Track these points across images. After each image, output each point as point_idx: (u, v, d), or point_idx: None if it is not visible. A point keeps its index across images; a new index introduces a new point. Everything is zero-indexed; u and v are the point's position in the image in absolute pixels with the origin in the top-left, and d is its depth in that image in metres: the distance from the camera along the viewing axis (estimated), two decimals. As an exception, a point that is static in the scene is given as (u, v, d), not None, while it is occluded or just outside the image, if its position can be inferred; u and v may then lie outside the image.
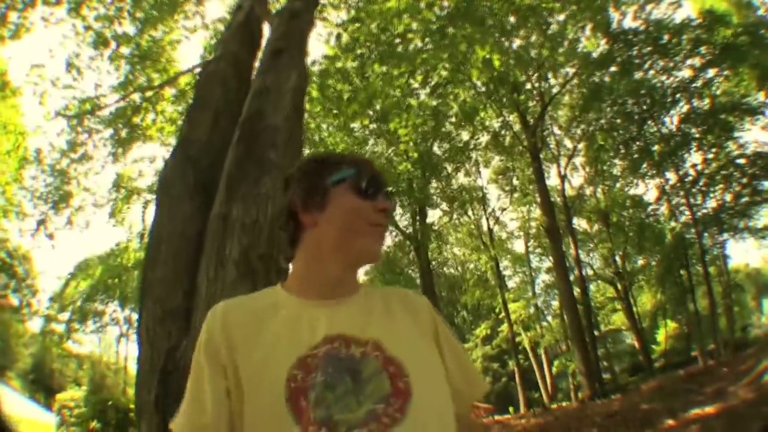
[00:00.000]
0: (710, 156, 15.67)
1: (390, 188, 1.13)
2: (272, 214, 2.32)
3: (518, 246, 26.74)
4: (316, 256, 1.04)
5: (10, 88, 12.96)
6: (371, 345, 0.94)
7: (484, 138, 17.28)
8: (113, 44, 8.98)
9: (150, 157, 11.80)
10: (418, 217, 17.28)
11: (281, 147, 2.62)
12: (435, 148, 15.87)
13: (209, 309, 2.12)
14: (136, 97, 9.13)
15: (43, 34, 9.89)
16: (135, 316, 25.33)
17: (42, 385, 28.06)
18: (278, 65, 3.10)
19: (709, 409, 9.26)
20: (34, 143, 11.81)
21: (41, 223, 10.49)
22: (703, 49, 14.76)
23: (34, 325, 26.37)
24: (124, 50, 9.17)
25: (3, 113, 12.85)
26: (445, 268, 28.85)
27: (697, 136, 15.49)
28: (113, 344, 31.49)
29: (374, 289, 1.12)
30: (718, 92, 15.91)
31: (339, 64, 7.62)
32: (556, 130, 19.47)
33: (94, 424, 20.17)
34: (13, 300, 24.63)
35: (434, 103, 10.72)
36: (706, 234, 15.79)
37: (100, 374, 30.08)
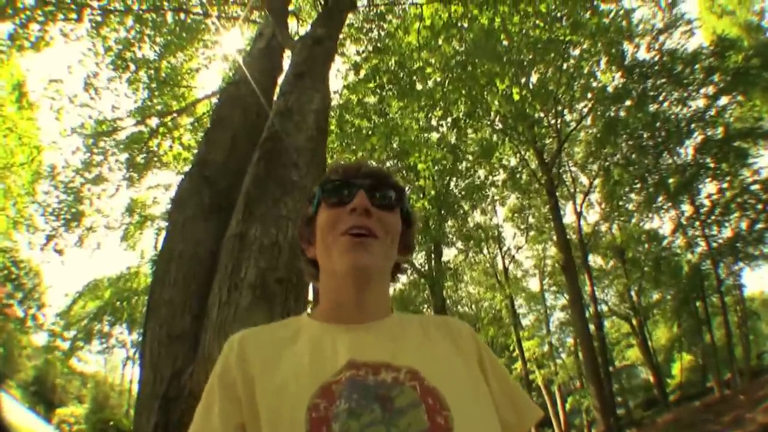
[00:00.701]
0: (725, 185, 15.60)
1: (382, 177, 1.01)
2: (293, 236, 2.21)
3: (533, 284, 26.69)
4: (324, 283, 0.99)
5: (27, 100, 13.18)
6: (406, 372, 0.84)
7: (500, 176, 17.26)
8: (132, 67, 9.06)
9: (165, 185, 11.76)
10: (433, 255, 17.18)
11: (303, 167, 2.53)
12: (452, 186, 15.88)
13: (220, 334, 2.04)
14: (152, 122, 9.17)
15: (63, 49, 10.02)
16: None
17: (43, 398, 27.83)
18: (301, 87, 3.06)
19: None
20: (49, 158, 11.89)
21: (51, 237, 10.48)
22: (716, 77, 14.81)
23: (39, 339, 26.34)
24: (143, 75, 9.24)
25: (19, 125, 12.99)
26: (459, 307, 28.52)
27: (712, 165, 15.43)
28: (119, 366, 31.38)
29: (410, 315, 1.02)
30: (731, 119, 15.94)
31: (358, 96, 7.62)
32: (572, 167, 19.46)
33: (93, 442, 19.96)
34: (18, 311, 24.60)
35: (453, 138, 10.68)
36: (721, 264, 15.60)
37: (104, 394, 29.93)
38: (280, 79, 4.83)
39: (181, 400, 1.97)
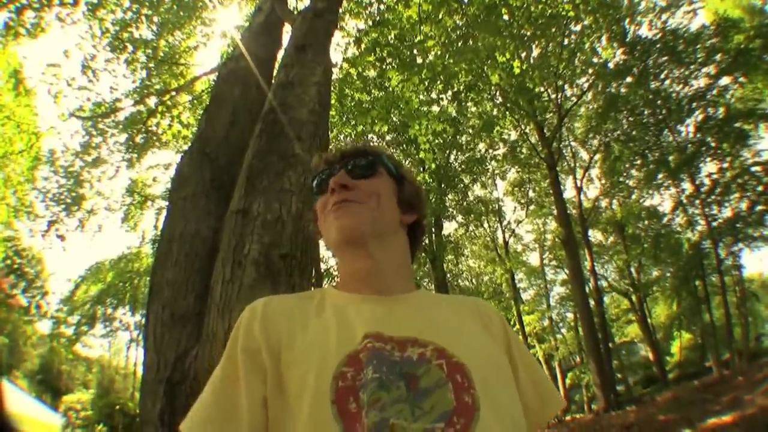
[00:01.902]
0: (725, 165, 15.60)
1: (360, 150, 1.05)
2: (297, 210, 2.17)
3: (533, 258, 26.81)
4: (338, 261, 1.03)
5: (24, 87, 13.06)
6: (433, 350, 0.82)
7: (501, 150, 17.20)
8: (130, 48, 8.94)
9: (165, 164, 11.71)
10: (434, 229, 17.18)
11: (307, 140, 2.47)
12: (452, 159, 15.78)
13: (224, 313, 2.00)
14: (151, 101, 9.09)
15: (59, 34, 9.92)
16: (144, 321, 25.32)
17: (49, 386, 28.12)
18: (302, 60, 2.99)
19: (727, 418, 9.24)
20: (48, 144, 11.83)
21: (53, 223, 10.46)
22: (717, 57, 14.77)
23: (44, 327, 26.47)
24: (141, 55, 9.13)
25: (17, 112, 12.90)
26: (460, 281, 28.62)
27: (713, 145, 15.42)
28: (123, 349, 31.61)
29: (438, 294, 1.03)
30: (732, 100, 15.92)
31: (358, 69, 7.53)
32: (572, 142, 19.38)
33: (100, 428, 20.15)
34: (23, 300, 24.70)
35: (453, 111, 10.60)
36: (721, 244, 15.64)
37: (109, 378, 30.21)
38: (280, 54, 4.77)
39: (186, 383, 1.93)
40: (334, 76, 8.25)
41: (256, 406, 0.79)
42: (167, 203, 2.93)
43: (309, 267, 2.22)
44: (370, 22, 7.89)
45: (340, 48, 8.50)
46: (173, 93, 8.69)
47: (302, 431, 0.74)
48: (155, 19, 8.85)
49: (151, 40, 9.04)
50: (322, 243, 1.09)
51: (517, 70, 8.13)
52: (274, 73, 4.05)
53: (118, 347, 32.40)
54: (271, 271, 2.04)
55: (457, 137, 12.91)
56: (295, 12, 7.13)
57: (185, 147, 9.70)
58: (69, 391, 28.47)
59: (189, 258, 2.48)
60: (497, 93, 12.08)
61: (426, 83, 7.63)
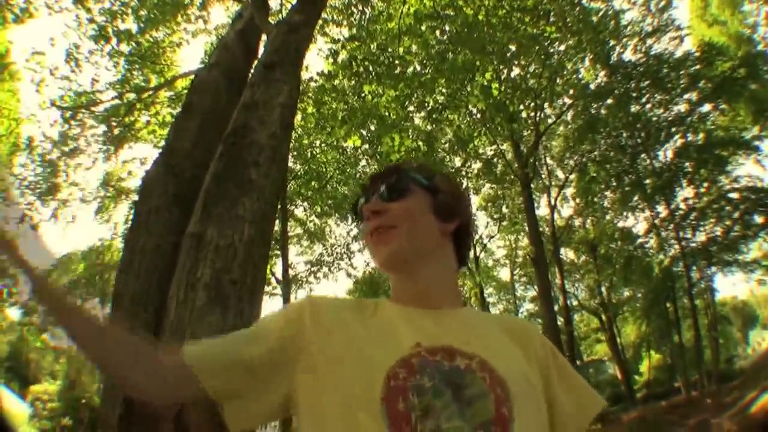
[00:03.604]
0: (702, 190, 15.74)
1: (390, 174, 1.07)
2: (249, 237, 2.22)
3: (504, 274, 26.88)
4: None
5: (9, 72, 12.84)
6: (477, 362, 0.85)
7: (475, 165, 17.26)
8: (114, 40, 8.88)
9: (141, 158, 11.64)
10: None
11: (264, 166, 2.51)
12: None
13: (177, 333, 2.04)
14: (131, 96, 9.03)
15: (47, 21, 9.84)
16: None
17: (18, 374, 27.39)
18: (269, 79, 3.01)
19: None
20: (27, 131, 11.67)
21: (26, 212, 10.31)
22: (701, 84, 14.92)
23: (14, 314, 25.86)
24: (124, 48, 9.07)
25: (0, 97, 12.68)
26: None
27: (690, 170, 15.57)
28: (92, 341, 30.99)
29: (484, 312, 1.07)
30: (713, 126, 16.07)
31: (335, 82, 7.55)
32: (548, 160, 19.53)
33: (66, 420, 19.76)
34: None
35: (429, 127, 10.66)
36: (694, 267, 15.83)
37: (76, 370, 29.55)
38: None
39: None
40: (312, 84, 8.28)
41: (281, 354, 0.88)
42: (133, 213, 2.94)
43: (258, 293, 2.26)
44: (349, 34, 7.91)
45: (322, 53, 8.53)
46: (152, 91, 8.63)
47: (342, 422, 0.78)
48: (141, 12, 8.80)
49: (135, 33, 8.98)
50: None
51: (495, 92, 8.21)
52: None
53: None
54: (221, 296, 2.09)
55: (431, 153, 12.99)
56: (279, 15, 7.16)
57: (162, 143, 9.70)
58: (37, 380, 27.80)
59: (149, 272, 2.54)
60: (475, 110, 12.13)
61: (402, 99, 7.67)
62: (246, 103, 2.87)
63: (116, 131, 9.48)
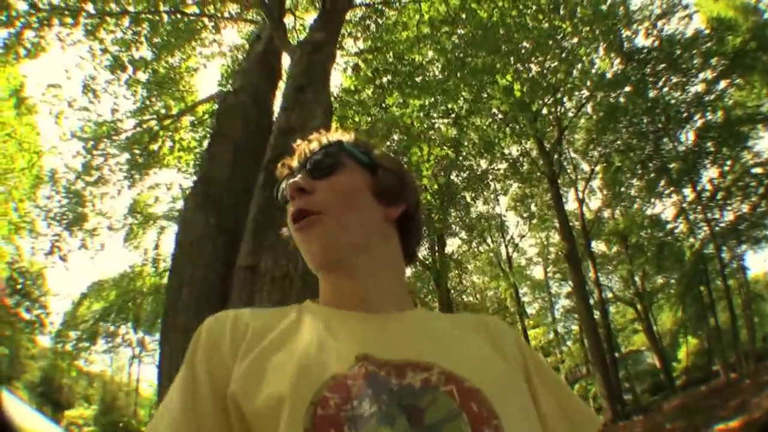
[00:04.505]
0: (726, 168, 15.63)
1: (319, 148, 0.87)
2: (304, 266, 2.18)
3: (537, 272, 26.71)
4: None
5: (26, 106, 13.13)
6: (438, 373, 0.66)
7: (502, 165, 17.21)
8: (130, 69, 8.98)
9: (167, 184, 11.75)
10: (436, 247, 17.18)
11: (311, 191, 2.49)
12: (453, 177, 15.80)
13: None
14: (153, 124, 9.13)
15: (60, 54, 10.02)
16: (148, 338, 25.48)
17: (50, 399, 27.93)
18: (302, 102, 3.01)
19: (733, 423, 9.24)
20: (50, 163, 11.88)
21: (55, 244, 10.47)
22: (714, 61, 14.79)
23: (45, 340, 26.41)
24: (141, 75, 9.18)
25: (19, 130, 12.97)
26: (464, 296, 28.62)
27: (712, 150, 15.42)
28: (125, 365, 31.52)
29: (438, 312, 0.91)
30: (731, 103, 15.91)
31: (358, 97, 7.54)
32: (572, 154, 19.42)
33: (104, 445, 20.09)
34: (25, 315, 24.65)
35: (454, 133, 10.52)
36: (724, 247, 15.67)
37: (111, 395, 30.07)
38: (280, 84, 4.78)
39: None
40: (334, 100, 8.30)
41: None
42: (174, 244, 2.94)
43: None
44: (368, 44, 7.92)
45: (339, 67, 8.58)
46: (174, 117, 8.72)
47: None
48: (155, 40, 8.89)
49: (151, 60, 9.09)
50: None
51: (518, 93, 8.14)
52: (274, 106, 4.08)
53: (120, 364, 32.35)
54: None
55: (458, 158, 12.86)
56: (292, 34, 7.17)
57: (186, 167, 9.82)
58: (70, 405, 28.36)
59: (199, 304, 2.52)
60: (497, 112, 12.08)
61: (426, 108, 7.62)
62: (282, 128, 2.87)
63: (140, 158, 9.58)
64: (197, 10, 8.85)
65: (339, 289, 0.80)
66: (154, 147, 9.17)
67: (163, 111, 9.29)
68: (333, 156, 0.84)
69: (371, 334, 0.71)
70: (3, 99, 13.46)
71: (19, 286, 22.06)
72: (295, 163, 0.88)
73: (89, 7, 7.91)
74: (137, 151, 9.32)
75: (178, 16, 8.55)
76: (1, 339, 22.79)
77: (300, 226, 0.79)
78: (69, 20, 7.97)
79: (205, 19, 8.97)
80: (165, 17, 8.55)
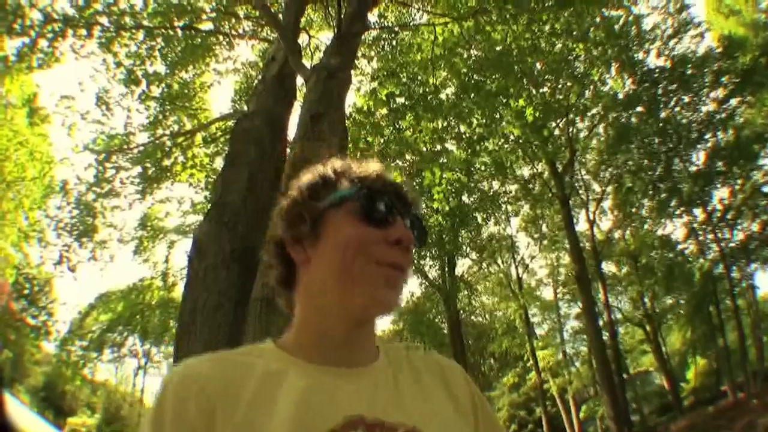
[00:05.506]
0: (737, 188, 15.57)
1: (417, 211, 0.85)
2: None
3: (547, 293, 26.56)
4: (311, 306, 0.78)
5: (39, 116, 13.26)
6: None
7: (513, 187, 17.21)
8: (144, 83, 9.04)
9: (178, 198, 11.78)
10: (446, 268, 17.15)
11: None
12: (464, 198, 15.82)
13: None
14: (166, 139, 9.17)
15: (74, 65, 10.12)
16: (155, 350, 25.45)
17: (52, 404, 27.89)
18: (317, 131, 3.01)
19: None
20: (61, 173, 11.95)
21: (64, 254, 10.50)
22: (725, 79, 14.81)
23: (49, 345, 26.44)
24: (155, 89, 9.23)
25: (31, 140, 13.09)
26: (473, 317, 28.41)
27: (723, 169, 15.38)
28: (131, 375, 31.49)
29: (396, 352, 0.84)
30: (741, 121, 15.94)
31: (371, 119, 7.56)
32: (584, 174, 19.38)
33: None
34: (30, 321, 24.72)
35: (466, 156, 10.55)
36: (734, 267, 15.61)
37: (115, 404, 30.00)
38: (295, 106, 4.80)
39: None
40: (348, 122, 8.33)
41: None
42: (188, 269, 2.95)
43: (287, 312, 2.22)
44: (382, 65, 7.96)
45: (353, 87, 8.61)
46: (188, 134, 8.77)
47: None
48: (169, 55, 8.97)
49: (164, 75, 9.16)
50: None
51: (530, 118, 8.15)
52: (289, 128, 4.09)
53: (125, 374, 32.32)
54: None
55: (470, 180, 12.82)
56: (305, 51, 7.20)
57: (198, 182, 9.86)
58: (72, 411, 28.32)
59: (212, 331, 2.53)
60: (510, 135, 12.08)
61: (439, 132, 7.64)
62: (298, 159, 2.87)
63: (151, 172, 9.61)
64: (212, 27, 8.95)
65: (333, 333, 0.76)
66: (167, 162, 9.21)
67: (176, 126, 9.34)
68: (426, 232, 0.87)
69: (353, 394, 0.71)
70: (16, 107, 13.63)
71: (26, 291, 22.18)
72: (393, 192, 0.83)
73: (104, 20, 8.01)
74: (149, 165, 9.37)
75: (193, 32, 8.63)
76: (6, 343, 22.89)
77: (397, 279, 0.76)
78: (83, 32, 8.06)
79: (220, 36, 9.05)
80: (179, 33, 8.63)
